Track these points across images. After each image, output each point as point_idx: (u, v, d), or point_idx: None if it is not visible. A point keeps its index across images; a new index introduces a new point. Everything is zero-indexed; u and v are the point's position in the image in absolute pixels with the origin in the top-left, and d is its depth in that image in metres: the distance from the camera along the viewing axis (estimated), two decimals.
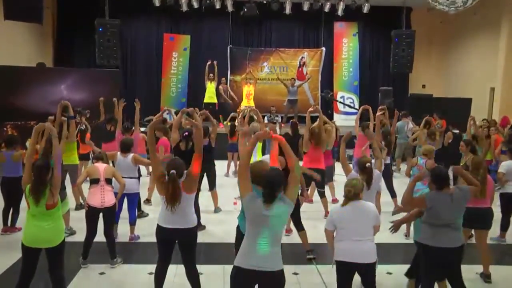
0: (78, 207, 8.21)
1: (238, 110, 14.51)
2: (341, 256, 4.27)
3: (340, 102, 16.51)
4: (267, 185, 3.58)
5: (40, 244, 4.54)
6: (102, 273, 5.70)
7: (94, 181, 5.88)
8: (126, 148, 6.71)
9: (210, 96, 14.31)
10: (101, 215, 5.87)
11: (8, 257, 5.87)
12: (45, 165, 4.65)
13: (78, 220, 6.77)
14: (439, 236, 4.38)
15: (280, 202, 3.58)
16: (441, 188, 4.45)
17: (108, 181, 5.93)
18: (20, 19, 11.30)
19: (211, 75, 14.36)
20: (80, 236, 6.75)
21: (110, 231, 5.92)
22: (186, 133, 6.71)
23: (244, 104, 14.35)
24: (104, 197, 5.80)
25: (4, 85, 11.71)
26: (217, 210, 8.26)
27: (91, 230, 5.83)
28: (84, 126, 11.52)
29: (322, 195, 8.14)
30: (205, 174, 7.72)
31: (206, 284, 4.99)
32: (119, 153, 6.79)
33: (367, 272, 4.27)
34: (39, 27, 14.65)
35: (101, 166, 6.04)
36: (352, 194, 4.29)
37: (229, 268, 3.77)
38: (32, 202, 4.48)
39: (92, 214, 5.81)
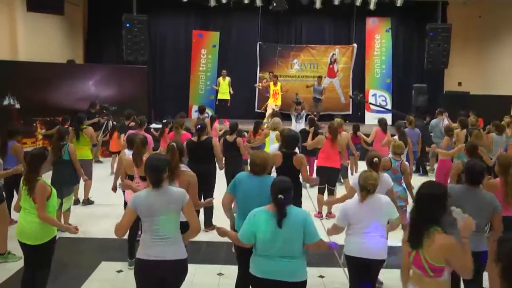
0: (86, 202, 8.18)
1: (262, 108, 14.32)
2: (352, 251, 4.10)
3: (371, 103, 16.03)
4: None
5: (25, 239, 4.35)
6: (119, 271, 5.56)
7: (130, 178, 5.73)
8: (132, 144, 6.49)
9: (223, 92, 14.43)
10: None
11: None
12: (40, 153, 4.51)
13: (88, 217, 6.66)
14: None
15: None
16: (472, 183, 4.07)
17: (143, 178, 5.71)
18: (42, 10, 11.43)
19: (224, 71, 14.28)
20: (91, 232, 6.67)
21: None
22: (199, 126, 6.78)
23: (270, 102, 14.18)
24: None
25: (34, 81, 11.79)
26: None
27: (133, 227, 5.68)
28: (111, 123, 11.59)
29: (330, 192, 7.74)
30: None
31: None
32: (126, 149, 6.65)
33: (374, 268, 4.14)
34: (71, 24, 14.80)
35: None
36: (372, 188, 4.06)
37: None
38: (25, 193, 4.34)
39: None
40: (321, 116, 14.36)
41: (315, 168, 8.50)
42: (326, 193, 7.80)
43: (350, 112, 15.97)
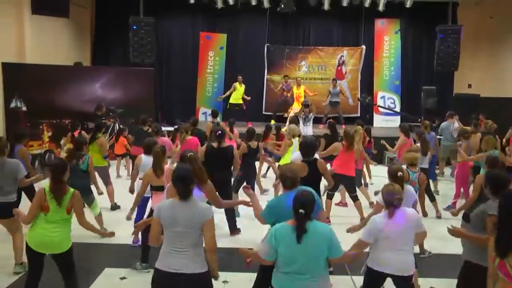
0: (114, 207, 8.13)
1: (289, 111, 14.17)
2: (377, 266, 3.96)
3: (380, 106, 15.87)
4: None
5: (50, 250, 4.35)
6: (123, 278, 5.47)
7: (154, 188, 5.69)
8: (149, 149, 6.41)
9: (237, 97, 14.31)
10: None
11: None
12: (62, 163, 4.50)
13: (95, 221, 6.59)
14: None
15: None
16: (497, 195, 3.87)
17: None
18: (47, 13, 11.41)
19: (240, 77, 14.24)
20: (97, 237, 6.58)
21: None
22: (220, 132, 6.67)
23: (295, 106, 14.04)
24: None
25: (40, 84, 11.78)
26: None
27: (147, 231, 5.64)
28: (117, 126, 11.53)
29: (355, 198, 7.69)
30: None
31: None
32: (143, 154, 6.59)
33: (403, 285, 4.00)
34: (78, 26, 14.80)
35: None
36: (399, 202, 3.93)
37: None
38: (54, 204, 4.26)
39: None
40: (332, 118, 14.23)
41: None
42: (350, 200, 7.75)
43: (359, 115, 15.79)
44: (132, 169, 7.08)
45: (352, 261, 3.67)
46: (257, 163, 8.63)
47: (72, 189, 4.40)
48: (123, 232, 6.11)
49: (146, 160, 6.40)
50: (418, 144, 8.40)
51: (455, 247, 5.62)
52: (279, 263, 3.40)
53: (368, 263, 4.06)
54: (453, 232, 4.02)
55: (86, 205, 6.59)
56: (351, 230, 4.81)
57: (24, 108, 11.57)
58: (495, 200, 3.80)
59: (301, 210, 3.28)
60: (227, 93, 14.56)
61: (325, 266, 3.40)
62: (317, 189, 5.35)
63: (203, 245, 3.59)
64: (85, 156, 6.86)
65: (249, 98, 14.51)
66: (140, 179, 6.30)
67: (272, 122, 14.04)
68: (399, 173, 4.72)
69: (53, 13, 11.65)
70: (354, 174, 7.74)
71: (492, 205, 3.75)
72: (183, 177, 3.53)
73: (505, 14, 14.94)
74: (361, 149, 8.40)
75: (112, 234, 4.81)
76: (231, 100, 14.36)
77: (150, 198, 5.91)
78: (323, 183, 6.03)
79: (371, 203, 8.39)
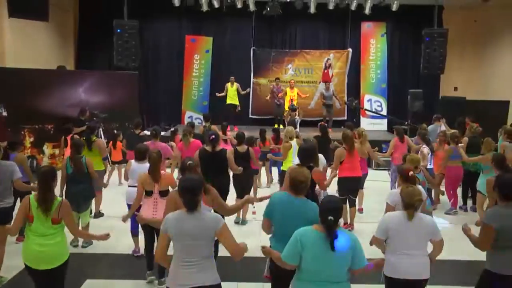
0: (97, 214, 7.92)
1: (284, 115, 14.10)
2: (392, 272, 3.85)
3: (366, 109, 15.85)
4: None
5: (41, 265, 4.06)
6: None
7: (148, 193, 5.48)
8: (141, 155, 6.25)
9: (231, 98, 14.37)
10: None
11: None
12: (51, 171, 4.29)
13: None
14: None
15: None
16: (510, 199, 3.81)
17: (163, 193, 5.39)
18: (25, 16, 11.09)
19: (232, 78, 14.16)
20: (85, 248, 6.41)
21: None
22: (213, 136, 6.50)
23: (287, 108, 14.00)
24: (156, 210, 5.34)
25: (22, 88, 11.48)
26: (244, 221, 7.92)
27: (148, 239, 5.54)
28: (101, 131, 11.29)
29: (352, 203, 7.60)
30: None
31: None
32: (133, 160, 6.42)
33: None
34: (62, 30, 14.54)
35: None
36: (419, 205, 3.84)
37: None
38: (39, 215, 4.03)
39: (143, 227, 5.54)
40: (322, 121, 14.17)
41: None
42: (347, 205, 7.58)
43: (345, 118, 15.77)
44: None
45: (375, 271, 3.60)
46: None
47: (59, 198, 4.19)
48: (102, 243, 5.89)
49: (136, 166, 6.22)
50: (424, 146, 8.52)
51: (458, 253, 5.58)
52: (305, 269, 3.30)
53: (385, 271, 3.93)
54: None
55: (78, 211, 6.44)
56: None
57: (4, 113, 11.28)
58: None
59: (330, 217, 3.21)
60: (223, 94, 14.47)
61: (348, 275, 3.33)
62: (310, 197, 5.20)
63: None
64: (82, 157, 6.68)
65: (244, 92, 14.62)
66: (129, 186, 6.14)
67: (279, 126, 13.75)
68: (411, 173, 4.62)
69: (31, 16, 11.30)
70: (361, 174, 7.70)
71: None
72: (191, 188, 3.41)
73: (489, 18, 15.06)
74: (363, 150, 8.29)
75: (107, 235, 4.55)
76: (228, 101, 14.36)
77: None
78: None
79: (360, 209, 8.36)
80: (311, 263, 3.25)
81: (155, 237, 5.43)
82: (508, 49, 14.90)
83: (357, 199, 8.11)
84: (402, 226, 3.81)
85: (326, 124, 9.86)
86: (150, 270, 5.43)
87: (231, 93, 14.34)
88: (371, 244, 4.06)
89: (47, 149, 11.81)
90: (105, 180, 9.80)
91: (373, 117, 16.06)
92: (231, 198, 7.62)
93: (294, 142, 8.07)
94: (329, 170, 7.58)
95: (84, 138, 7.94)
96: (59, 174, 5.36)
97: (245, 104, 15.67)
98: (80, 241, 6.47)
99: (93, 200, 7.37)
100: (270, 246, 3.95)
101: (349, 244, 3.26)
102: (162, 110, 16.02)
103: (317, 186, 5.90)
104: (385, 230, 3.87)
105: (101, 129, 11.41)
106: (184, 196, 3.41)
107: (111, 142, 10.37)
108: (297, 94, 14.32)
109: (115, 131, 11.00)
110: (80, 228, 6.36)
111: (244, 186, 7.56)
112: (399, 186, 4.75)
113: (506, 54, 14.96)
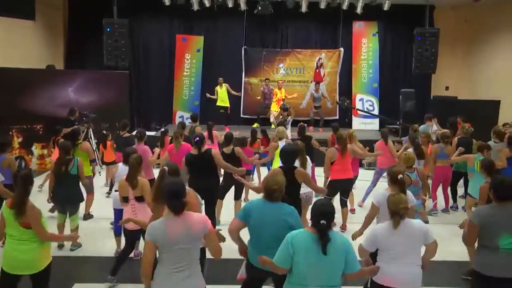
0: (87, 216, 7.80)
1: (268, 114, 14.07)
2: (384, 280, 3.75)
3: (358, 109, 15.82)
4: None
5: (23, 271, 3.98)
6: None
7: (124, 200, 5.42)
8: (128, 158, 6.12)
9: (222, 100, 14.28)
10: None
11: None
12: (28, 174, 4.21)
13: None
14: (496, 263, 3.77)
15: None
16: (503, 200, 3.83)
17: (139, 199, 5.35)
18: (11, 15, 10.89)
19: (220, 79, 14.16)
20: (73, 251, 6.31)
21: None
22: (198, 138, 6.43)
23: (273, 109, 14.03)
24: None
25: (10, 88, 11.33)
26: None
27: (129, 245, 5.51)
28: (91, 131, 11.15)
29: (343, 204, 7.53)
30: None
31: None
32: (121, 163, 6.31)
33: None
34: (51, 29, 14.36)
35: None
36: (405, 212, 3.76)
37: None
38: (11, 219, 3.94)
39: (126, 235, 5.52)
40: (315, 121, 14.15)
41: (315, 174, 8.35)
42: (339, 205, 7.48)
43: (337, 117, 15.74)
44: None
45: (369, 275, 3.58)
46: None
47: (30, 202, 4.08)
48: (91, 246, 5.80)
49: (122, 169, 6.11)
50: (410, 150, 7.96)
51: (448, 253, 5.54)
52: (296, 273, 3.24)
53: (374, 278, 3.86)
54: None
55: (68, 214, 6.34)
56: (354, 236, 4.70)
57: None
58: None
59: (322, 221, 3.18)
60: (214, 97, 14.36)
61: (340, 280, 3.28)
62: (295, 199, 5.15)
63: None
64: (73, 159, 6.55)
65: (235, 93, 14.59)
66: (115, 190, 6.03)
67: (256, 125, 13.87)
68: (400, 176, 4.55)
69: (16, 15, 11.09)
70: (352, 176, 7.63)
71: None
72: (176, 192, 3.35)
73: (480, 18, 15.10)
74: (354, 148, 8.16)
75: (76, 236, 4.44)
76: (218, 103, 14.28)
77: None
78: None
79: (352, 210, 8.33)
80: (303, 267, 3.20)
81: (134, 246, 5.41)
82: (499, 48, 14.96)
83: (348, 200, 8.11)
84: (390, 235, 3.75)
85: (305, 125, 9.70)
86: (113, 276, 5.34)
87: (222, 95, 14.24)
88: (360, 256, 3.96)
89: (36, 149, 11.66)
90: (104, 181, 9.75)
91: (364, 116, 16.03)
92: (228, 202, 7.60)
93: (282, 142, 7.96)
94: (317, 170, 7.53)
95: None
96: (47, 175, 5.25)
97: (236, 104, 15.59)
98: (68, 243, 6.37)
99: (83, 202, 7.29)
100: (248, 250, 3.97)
101: (342, 247, 3.21)
102: (153, 110, 15.88)
103: (307, 188, 5.84)
104: (374, 241, 3.81)
105: (91, 130, 11.28)
106: (171, 200, 3.34)
107: (101, 143, 10.22)
108: (284, 95, 14.27)
109: (104, 131, 10.84)
110: (69, 230, 6.27)
111: (236, 185, 7.47)
112: (389, 187, 4.69)
113: (497, 54, 15.01)
